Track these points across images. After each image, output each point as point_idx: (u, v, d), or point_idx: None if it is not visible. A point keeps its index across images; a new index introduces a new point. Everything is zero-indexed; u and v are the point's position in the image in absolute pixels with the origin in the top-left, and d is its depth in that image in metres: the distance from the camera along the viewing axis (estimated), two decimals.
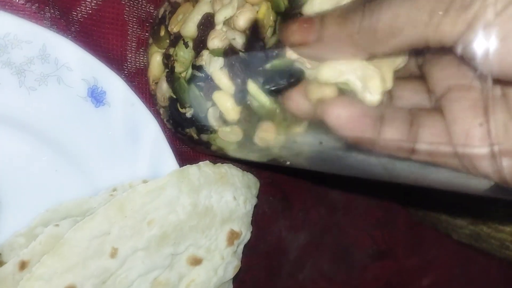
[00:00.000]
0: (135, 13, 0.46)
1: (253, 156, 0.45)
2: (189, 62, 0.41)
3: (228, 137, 0.42)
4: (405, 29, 0.28)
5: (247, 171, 0.50)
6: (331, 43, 0.32)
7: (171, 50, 0.42)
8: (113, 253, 0.40)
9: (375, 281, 0.73)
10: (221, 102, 0.40)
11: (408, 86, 0.37)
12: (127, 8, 0.46)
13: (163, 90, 0.44)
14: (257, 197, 0.51)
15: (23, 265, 0.38)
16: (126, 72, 0.47)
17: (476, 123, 0.29)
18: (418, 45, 0.28)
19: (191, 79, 0.41)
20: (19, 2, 0.40)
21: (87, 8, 0.44)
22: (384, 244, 0.74)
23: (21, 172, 0.40)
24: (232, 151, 0.45)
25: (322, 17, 0.32)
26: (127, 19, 0.46)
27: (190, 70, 0.41)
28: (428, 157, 0.33)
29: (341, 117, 0.32)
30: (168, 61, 0.43)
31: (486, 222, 0.70)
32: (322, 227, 0.66)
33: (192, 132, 0.45)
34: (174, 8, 0.44)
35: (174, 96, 0.43)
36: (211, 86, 0.40)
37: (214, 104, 0.41)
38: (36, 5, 0.41)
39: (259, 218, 0.56)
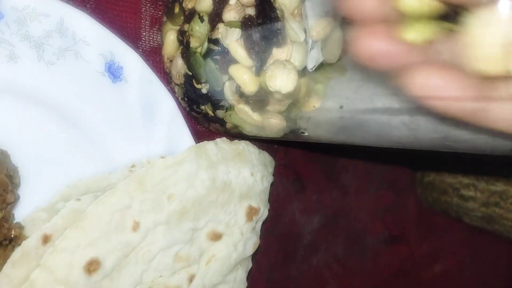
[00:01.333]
0: None
1: (269, 132, 0.45)
2: (205, 37, 0.41)
3: (244, 113, 0.42)
4: None
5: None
6: None
7: (186, 26, 0.42)
8: (135, 227, 0.40)
9: (387, 267, 0.73)
10: (238, 74, 0.40)
11: None
12: None
13: (178, 67, 0.44)
14: (273, 175, 0.51)
15: (46, 239, 0.38)
16: (140, 50, 0.47)
17: None
18: None
19: (207, 53, 0.41)
20: None
21: None
22: (395, 230, 0.74)
23: (41, 147, 0.40)
24: (248, 127, 0.45)
25: None
26: None
27: (206, 44, 0.41)
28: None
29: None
30: (183, 37, 0.43)
31: (498, 203, 0.70)
32: (334, 210, 0.66)
33: (207, 108, 0.44)
34: None
35: (190, 73, 0.43)
36: (227, 59, 0.40)
37: (230, 78, 0.41)
38: None
39: (274, 200, 0.55)
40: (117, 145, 0.43)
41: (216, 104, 0.43)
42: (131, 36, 0.46)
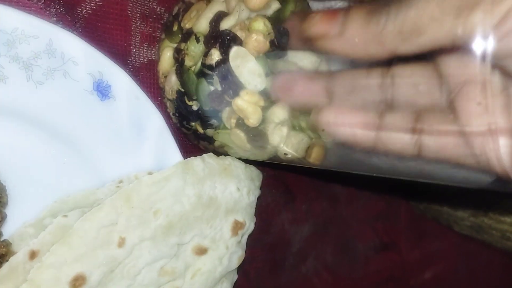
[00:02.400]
0: (139, 8, 0.47)
1: (257, 156, 0.46)
2: (199, 57, 0.42)
3: (237, 138, 0.43)
4: (430, 28, 0.27)
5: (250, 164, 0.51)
6: (353, 39, 0.31)
7: (182, 45, 0.44)
8: (121, 243, 0.41)
9: (377, 274, 0.73)
10: (243, 106, 0.40)
11: (414, 74, 0.36)
12: (130, 4, 0.47)
13: (172, 83, 0.45)
14: (260, 189, 0.52)
15: (33, 255, 0.39)
16: (130, 66, 0.47)
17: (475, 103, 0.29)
18: (443, 44, 0.28)
19: (200, 73, 0.42)
20: None
21: (92, 4, 0.45)
22: (386, 237, 0.74)
23: (29, 165, 0.41)
24: (236, 149, 0.46)
25: (346, 12, 0.32)
26: (130, 15, 0.47)
27: (199, 64, 0.42)
28: (433, 150, 0.33)
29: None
30: (179, 55, 0.44)
31: (487, 214, 0.71)
32: (325, 220, 0.66)
33: (197, 126, 0.45)
34: (188, 6, 0.45)
35: (182, 89, 0.44)
36: (231, 86, 0.41)
37: (229, 105, 0.42)
38: (42, 1, 0.42)
39: (262, 211, 0.56)
40: (105, 161, 0.44)
41: (205, 122, 0.44)
42: (121, 53, 0.47)
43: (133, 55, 0.48)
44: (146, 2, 0.48)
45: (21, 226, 0.41)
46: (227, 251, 0.47)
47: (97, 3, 0.45)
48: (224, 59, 0.40)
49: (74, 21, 0.43)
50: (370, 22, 0.30)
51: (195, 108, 0.44)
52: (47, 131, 0.41)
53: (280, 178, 0.61)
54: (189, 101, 0.44)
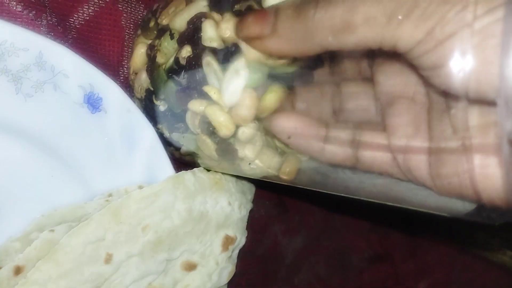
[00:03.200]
0: (132, 19, 0.47)
1: (225, 168, 0.45)
2: (171, 54, 0.41)
3: (203, 144, 0.42)
4: (361, 28, 0.27)
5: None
6: (286, 36, 0.31)
7: (156, 42, 0.43)
8: (108, 259, 0.40)
9: (371, 285, 0.73)
10: (214, 114, 0.39)
11: (357, 89, 0.37)
12: (124, 15, 0.46)
13: (141, 80, 0.44)
14: (253, 201, 0.52)
15: (18, 270, 0.38)
16: (122, 78, 0.47)
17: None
18: (371, 45, 0.28)
19: (171, 72, 0.41)
20: (16, 9, 0.40)
21: (85, 15, 0.44)
22: (380, 248, 0.74)
23: (16, 178, 0.41)
24: (205, 159, 0.44)
25: (276, 10, 0.32)
26: (124, 25, 0.46)
27: (170, 61, 0.41)
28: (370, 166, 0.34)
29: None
30: (152, 51, 0.43)
31: (483, 228, 0.70)
32: (318, 231, 0.66)
33: (163, 129, 0.45)
34: (167, 3, 0.44)
35: (151, 88, 0.43)
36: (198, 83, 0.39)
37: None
38: (34, 12, 0.41)
39: (255, 222, 0.56)
40: (95, 174, 0.43)
41: (172, 124, 0.44)
42: (113, 64, 0.46)
43: (125, 66, 0.47)
44: (140, 12, 0.48)
45: (6, 240, 0.40)
46: (217, 267, 0.46)
47: (90, 13, 0.44)
48: (196, 56, 0.39)
49: (66, 32, 0.43)
50: (299, 17, 0.30)
51: (162, 108, 0.43)
52: (35, 143, 0.41)
53: (273, 189, 0.61)
54: (156, 100, 0.43)
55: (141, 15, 0.47)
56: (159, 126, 0.44)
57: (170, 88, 0.41)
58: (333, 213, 0.68)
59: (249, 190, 0.51)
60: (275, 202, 0.61)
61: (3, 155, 0.40)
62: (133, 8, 0.47)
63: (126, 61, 0.47)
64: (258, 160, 0.40)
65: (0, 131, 0.39)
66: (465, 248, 0.74)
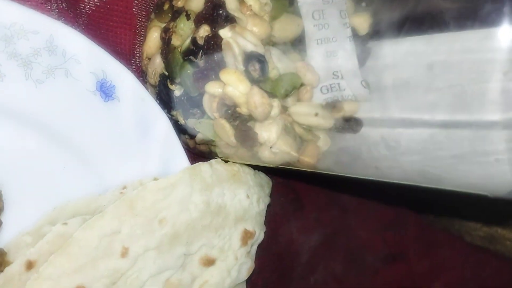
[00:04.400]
0: (145, 6, 0.45)
1: (242, 156, 0.43)
2: (187, 36, 0.40)
3: (221, 129, 0.40)
4: None
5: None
6: None
7: (171, 24, 0.41)
8: (124, 253, 0.38)
9: (387, 285, 0.71)
10: (234, 82, 0.37)
11: None
12: (136, 1, 0.45)
13: (155, 65, 0.43)
14: (270, 196, 0.50)
15: (30, 265, 0.36)
16: (134, 67, 0.45)
17: None
18: None
19: (187, 54, 0.39)
20: None
21: (96, 0, 0.42)
22: (395, 247, 0.72)
23: (27, 169, 0.39)
24: (220, 145, 0.43)
25: None
26: (136, 12, 0.45)
27: (186, 43, 0.39)
28: None
29: None
30: (166, 34, 0.41)
31: (501, 224, 0.69)
32: (334, 229, 0.64)
33: (178, 115, 0.43)
34: None
35: (166, 73, 0.42)
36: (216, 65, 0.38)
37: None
38: None
39: (271, 219, 0.54)
40: (108, 165, 0.41)
41: (187, 110, 0.42)
42: (125, 52, 0.44)
43: (138, 54, 0.45)
44: None
45: (17, 234, 0.38)
46: (236, 262, 0.44)
47: None
48: (214, 35, 0.37)
49: (77, 18, 0.41)
50: None
51: (177, 93, 0.42)
52: (46, 133, 0.39)
53: (289, 186, 0.59)
54: (171, 84, 0.41)
55: (153, 2, 0.46)
56: (174, 112, 0.42)
57: (186, 70, 0.39)
58: (348, 210, 0.66)
59: (267, 183, 0.49)
60: (291, 198, 0.59)
61: (13, 144, 0.38)
62: None
63: (138, 49, 0.45)
64: (280, 142, 0.38)
65: (10, 118, 0.37)
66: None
